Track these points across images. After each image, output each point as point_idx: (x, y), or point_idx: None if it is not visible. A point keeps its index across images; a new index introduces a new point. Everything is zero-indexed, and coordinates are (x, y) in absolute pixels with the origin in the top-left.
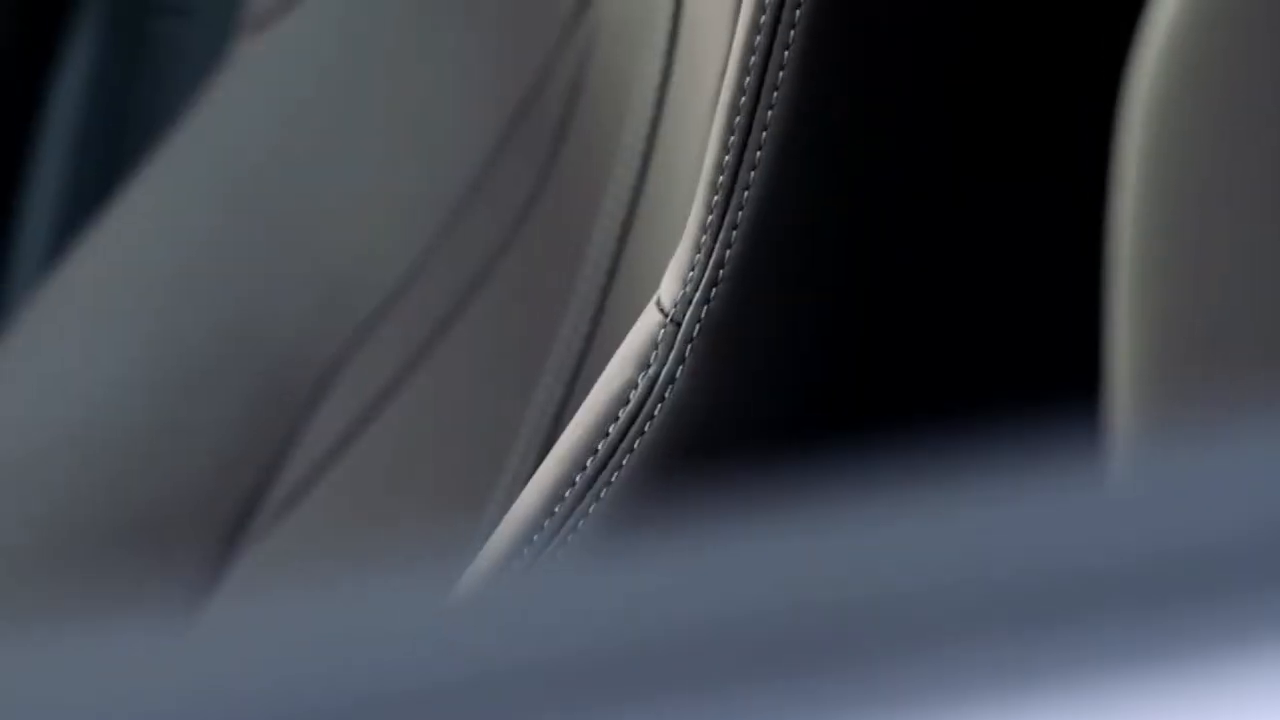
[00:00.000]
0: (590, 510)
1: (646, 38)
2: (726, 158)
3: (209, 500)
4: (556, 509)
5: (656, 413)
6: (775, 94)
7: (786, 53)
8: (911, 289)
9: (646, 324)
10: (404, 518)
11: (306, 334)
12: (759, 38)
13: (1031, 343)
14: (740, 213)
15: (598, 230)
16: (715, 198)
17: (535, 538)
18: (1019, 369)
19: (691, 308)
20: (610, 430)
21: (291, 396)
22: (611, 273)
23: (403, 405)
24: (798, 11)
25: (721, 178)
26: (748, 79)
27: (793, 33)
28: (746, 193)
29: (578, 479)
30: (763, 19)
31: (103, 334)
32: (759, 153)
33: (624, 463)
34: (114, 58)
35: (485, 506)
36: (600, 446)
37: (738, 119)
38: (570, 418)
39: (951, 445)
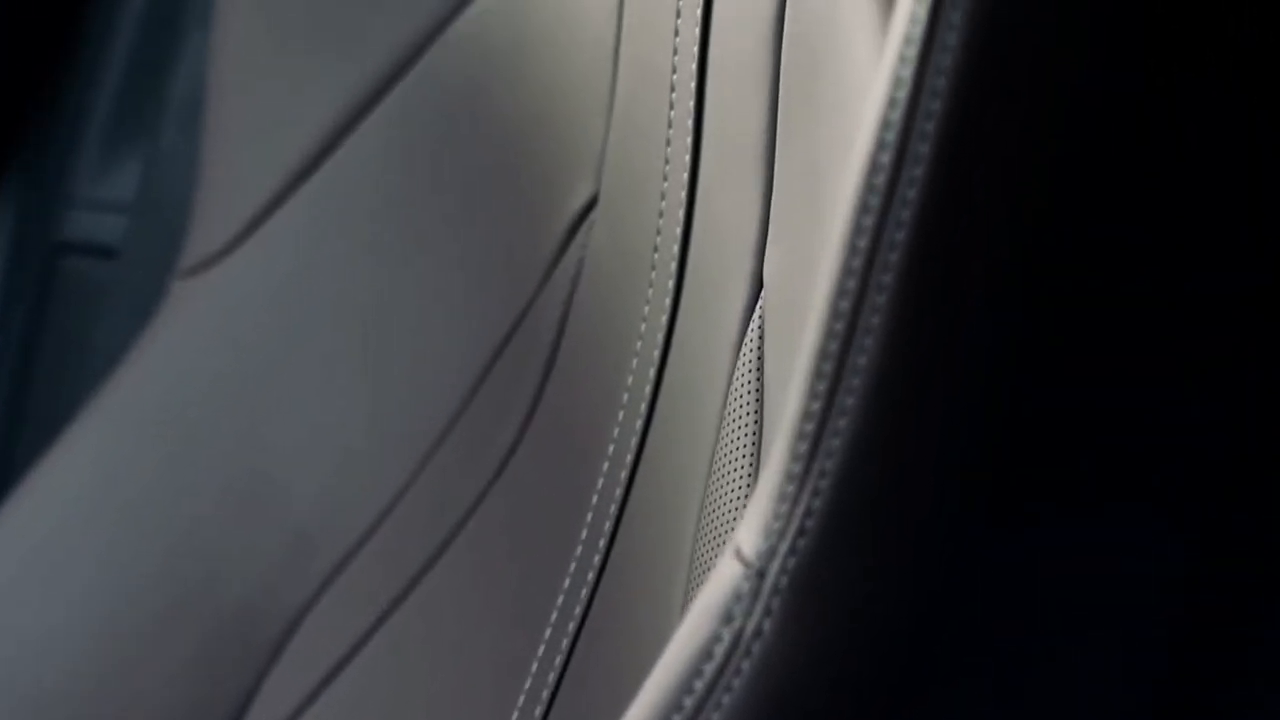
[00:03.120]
0: None
1: (643, 270)
2: (815, 404)
3: None
4: None
5: (744, 668)
6: (869, 339)
7: (880, 298)
8: (1000, 563)
9: (726, 575)
10: None
11: (270, 581)
12: (851, 281)
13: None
14: (830, 460)
15: (598, 479)
16: (802, 446)
17: None
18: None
19: (778, 559)
20: (696, 686)
21: (253, 648)
22: (618, 519)
23: (373, 655)
24: (892, 256)
25: (809, 426)
26: (839, 324)
27: (885, 277)
28: (836, 440)
29: None
30: (855, 262)
31: (46, 584)
32: (851, 399)
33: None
34: (19, 298)
35: None
36: (686, 703)
37: (826, 365)
38: (576, 671)
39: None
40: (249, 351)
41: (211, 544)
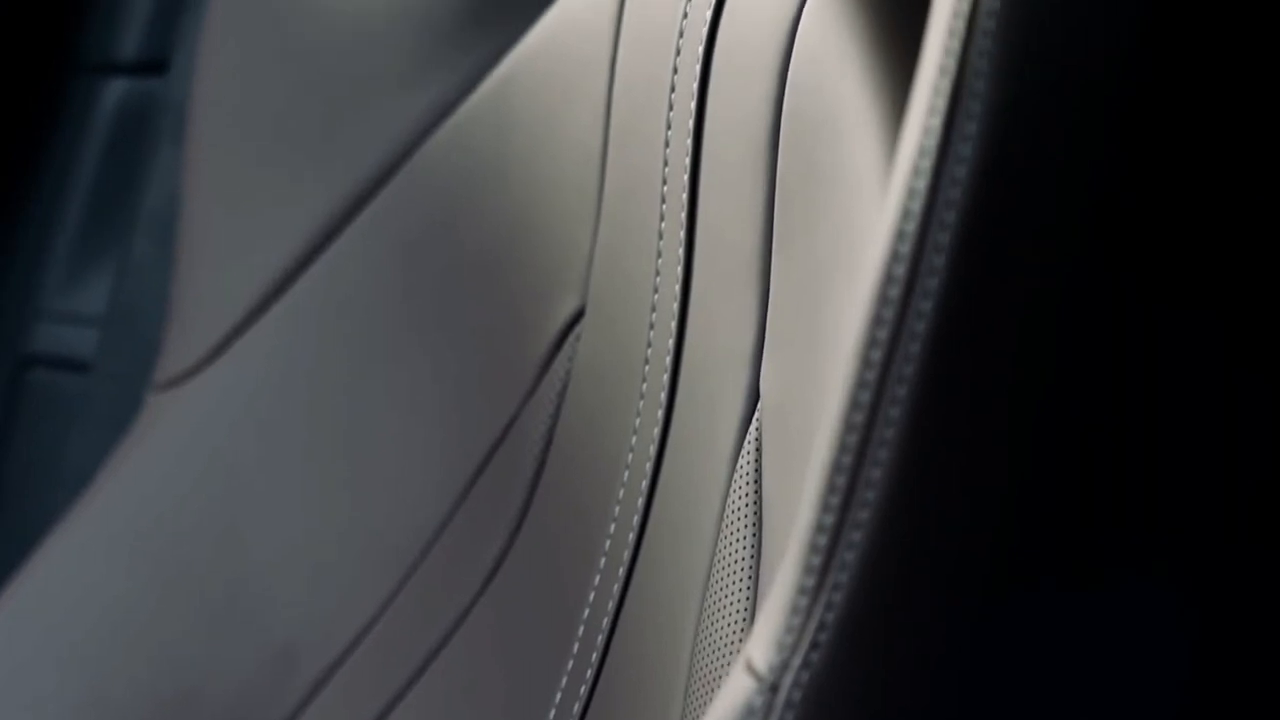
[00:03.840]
0: None
1: (633, 382)
2: (828, 518)
3: None
4: None
5: None
6: (883, 451)
7: (895, 410)
8: (1014, 655)
9: (738, 689)
10: None
11: (250, 698)
12: (865, 394)
13: None
14: (844, 574)
15: (589, 592)
16: (814, 559)
17: None
18: None
19: (791, 673)
20: None
21: None
22: (611, 631)
23: None
24: (906, 368)
25: (822, 538)
26: (852, 437)
27: (900, 390)
28: (850, 554)
29: None
30: (869, 375)
31: (23, 705)
32: (864, 512)
33: None
34: None
35: None
36: None
37: (840, 478)
38: None
39: None
40: (226, 465)
41: (190, 660)
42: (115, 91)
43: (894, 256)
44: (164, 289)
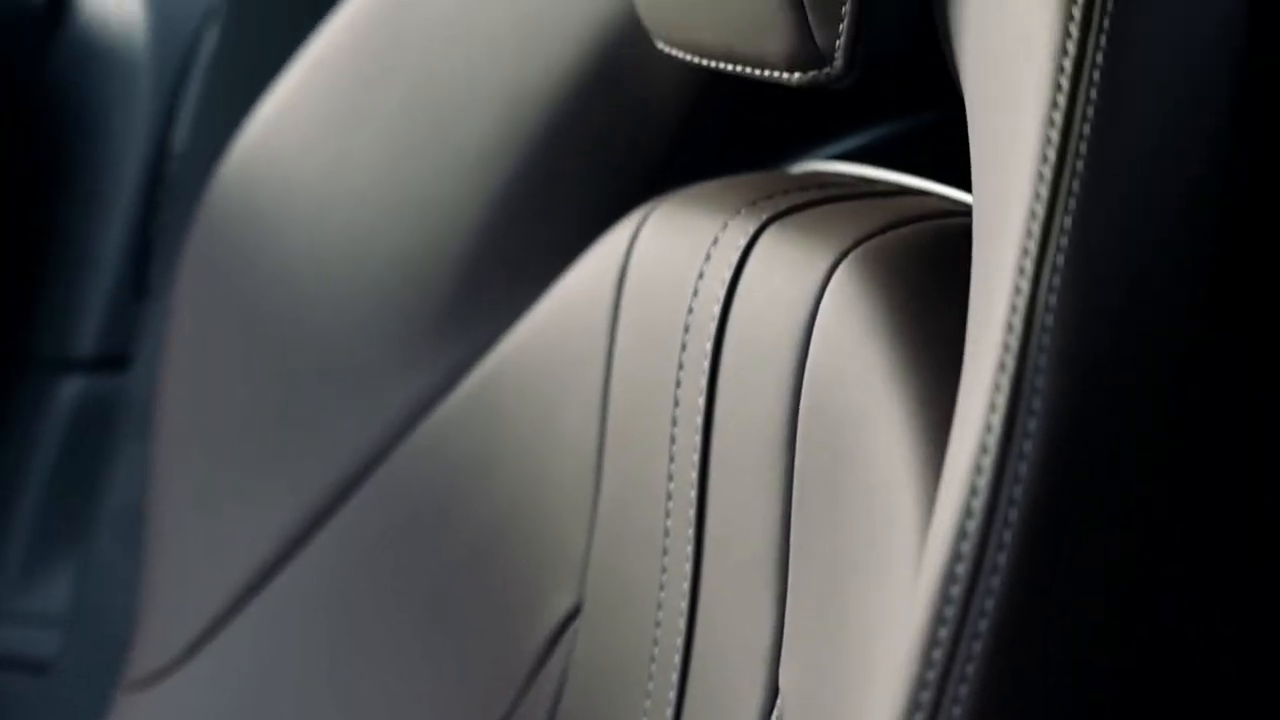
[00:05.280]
0: None
1: (639, 680)
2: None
3: None
4: None
5: None
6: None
7: (957, 709)
8: None
9: None
10: None
11: None
12: (926, 694)
13: None
14: None
15: None
16: None
17: None
18: None
19: None
20: None
21: None
22: None
23: None
24: (970, 667)
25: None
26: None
27: (962, 689)
28: None
29: None
30: (930, 674)
31: None
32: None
33: None
34: None
35: None
36: None
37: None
38: None
39: None
40: None
41: None
42: (72, 388)
43: (956, 555)
44: (131, 587)
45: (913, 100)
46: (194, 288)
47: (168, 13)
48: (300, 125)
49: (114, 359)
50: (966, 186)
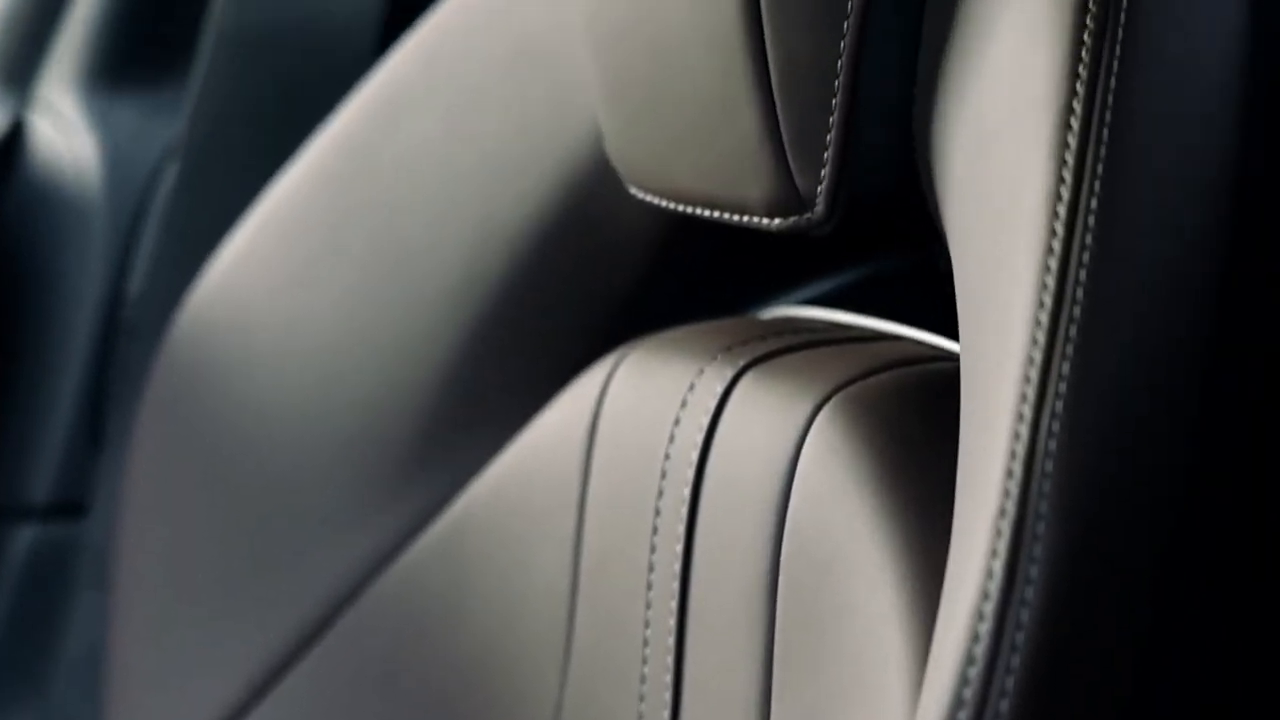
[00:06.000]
0: None
1: None
2: None
3: None
4: None
5: None
6: None
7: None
8: None
9: None
10: None
11: None
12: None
13: None
14: None
15: None
16: None
17: None
18: None
19: None
20: None
21: None
22: None
23: None
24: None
25: None
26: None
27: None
28: None
29: None
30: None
31: None
32: None
33: None
34: None
35: None
36: None
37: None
38: None
39: None
40: None
41: None
42: (27, 536)
43: (958, 701)
44: None
45: (884, 243)
46: (154, 431)
47: (124, 152)
48: (262, 269)
49: (70, 506)
50: (939, 330)
